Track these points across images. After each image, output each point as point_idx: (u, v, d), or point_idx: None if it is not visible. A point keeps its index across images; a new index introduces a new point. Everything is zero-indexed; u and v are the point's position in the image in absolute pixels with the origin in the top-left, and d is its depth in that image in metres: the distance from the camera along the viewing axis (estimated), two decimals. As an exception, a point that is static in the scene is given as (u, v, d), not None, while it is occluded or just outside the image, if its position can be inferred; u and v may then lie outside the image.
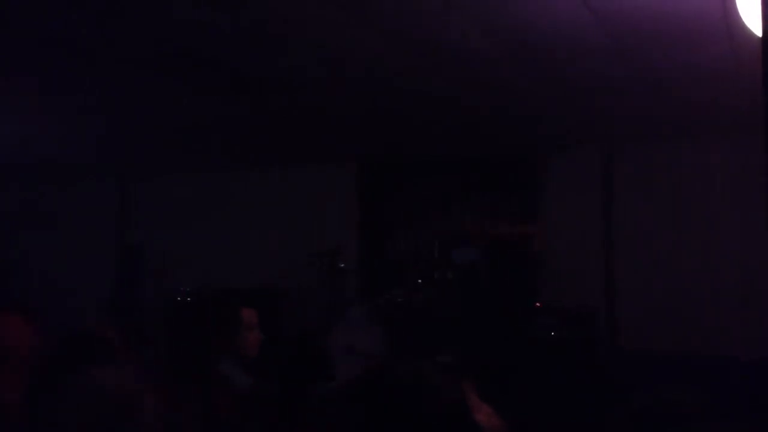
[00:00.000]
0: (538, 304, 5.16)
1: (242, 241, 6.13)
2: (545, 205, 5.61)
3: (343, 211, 6.03)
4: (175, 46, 3.29)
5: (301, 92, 4.09)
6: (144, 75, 3.73)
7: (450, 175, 5.92)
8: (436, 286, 5.32)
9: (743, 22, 2.45)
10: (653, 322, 5.10)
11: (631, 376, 4.74)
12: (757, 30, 2.30)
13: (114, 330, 2.16)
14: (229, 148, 5.71)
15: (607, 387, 4.57)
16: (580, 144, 5.38)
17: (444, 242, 5.70)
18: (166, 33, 3.15)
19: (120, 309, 5.65)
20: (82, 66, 3.56)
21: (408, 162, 5.93)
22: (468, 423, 1.20)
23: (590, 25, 2.98)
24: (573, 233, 5.45)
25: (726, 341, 4.87)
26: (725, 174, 5.06)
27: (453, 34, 3.13)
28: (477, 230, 5.67)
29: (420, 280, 5.38)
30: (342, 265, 5.51)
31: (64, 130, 4.98)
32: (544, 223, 5.58)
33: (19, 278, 6.13)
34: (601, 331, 5.14)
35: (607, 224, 5.43)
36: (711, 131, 4.97)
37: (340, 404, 1.26)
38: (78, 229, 6.49)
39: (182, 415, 1.77)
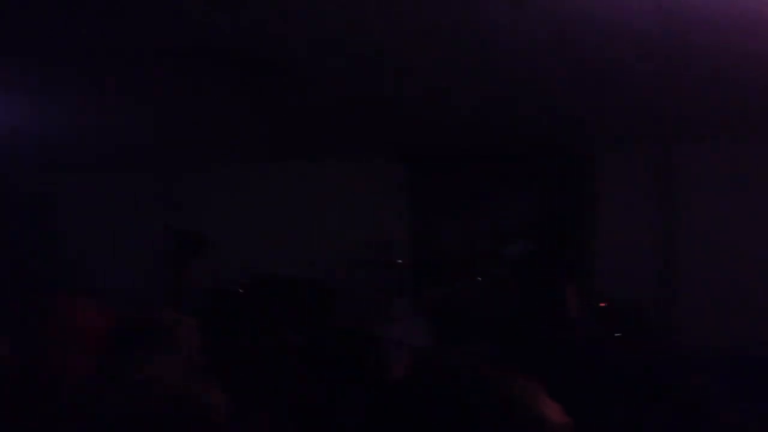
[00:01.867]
0: (602, 304, 5.07)
1: (293, 233, 6.19)
2: (600, 199, 5.52)
3: (394, 204, 6.03)
4: (220, 38, 3.31)
5: (350, 86, 4.11)
6: (187, 66, 3.77)
7: (503, 168, 5.86)
8: (487, 281, 5.30)
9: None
10: (715, 320, 4.96)
11: (692, 378, 4.65)
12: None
13: (172, 315, 2.19)
14: (282, 139, 5.76)
15: (664, 388, 4.48)
16: (637, 136, 5.27)
17: (496, 236, 5.67)
18: (207, 25, 3.17)
19: (172, 296, 5.75)
20: (121, 59, 3.61)
21: (460, 156, 5.89)
22: (528, 417, 1.18)
23: (648, 14, 2.90)
24: (629, 229, 5.35)
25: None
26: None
27: (502, 26, 3.09)
28: (529, 224, 5.62)
29: (471, 274, 5.36)
30: (397, 261, 5.53)
31: (107, 122, 5.08)
32: (598, 217, 5.50)
33: (69, 268, 6.30)
34: (658, 329, 5.05)
35: (665, 220, 5.32)
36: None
37: (395, 396, 1.25)
38: (125, 220, 6.63)
39: (242, 403, 1.78)
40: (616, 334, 4.75)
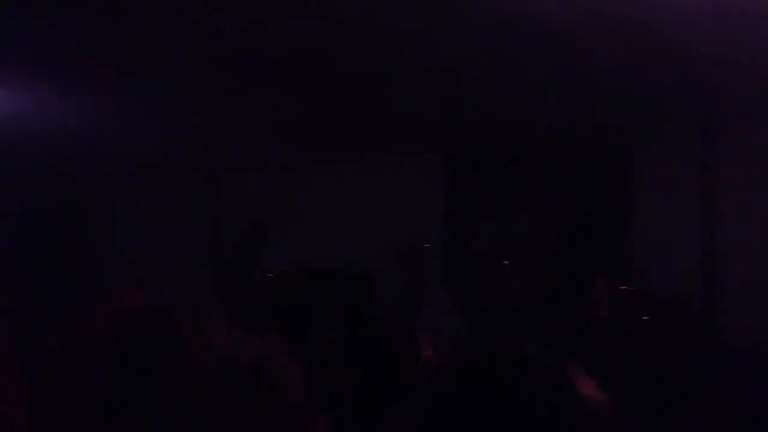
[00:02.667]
0: (623, 287, 5.02)
1: (333, 231, 6.28)
2: (638, 192, 5.46)
3: (429, 201, 6.09)
4: (262, 41, 3.37)
5: (387, 86, 4.14)
6: (230, 70, 3.85)
7: (539, 163, 5.83)
8: (521, 273, 5.29)
9: None
10: (756, 314, 4.88)
11: (731, 373, 4.58)
12: None
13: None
14: (318, 141, 5.85)
15: (702, 384, 4.43)
16: (678, 124, 5.19)
17: (529, 230, 5.67)
18: (250, 27, 3.23)
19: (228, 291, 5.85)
20: (169, 63, 3.70)
21: (495, 153, 5.89)
22: (575, 397, 1.19)
23: (691, 4, 2.87)
24: (669, 221, 5.29)
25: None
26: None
27: (541, 16, 3.08)
28: (564, 219, 5.60)
29: (506, 262, 5.36)
30: (429, 252, 5.57)
31: (154, 126, 5.20)
32: (637, 209, 5.45)
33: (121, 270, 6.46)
34: (697, 320, 5.00)
35: (707, 208, 5.24)
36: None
37: (438, 384, 1.27)
38: (174, 222, 6.77)
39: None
40: (644, 318, 4.68)
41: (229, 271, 5.99)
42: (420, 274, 5.64)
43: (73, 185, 6.81)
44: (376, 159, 6.20)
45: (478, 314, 4.82)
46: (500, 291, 5.22)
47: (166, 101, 4.56)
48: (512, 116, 4.94)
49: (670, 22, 3.16)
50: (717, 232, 5.22)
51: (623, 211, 5.53)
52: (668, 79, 4.05)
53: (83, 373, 1.97)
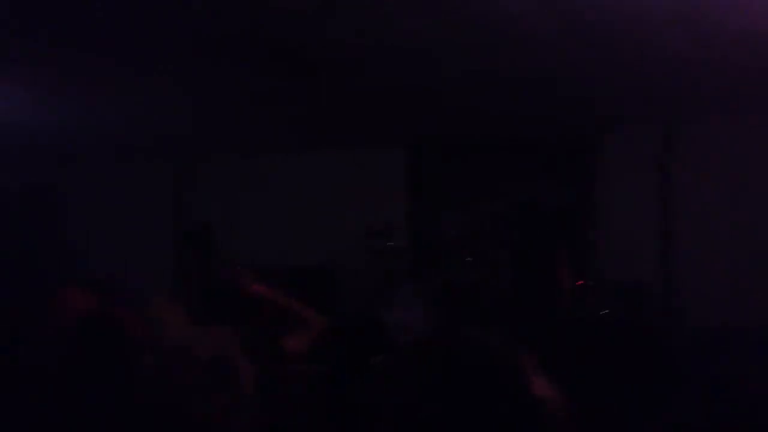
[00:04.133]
0: (581, 282, 5.10)
1: (293, 222, 6.23)
2: (599, 180, 5.54)
3: (393, 191, 6.07)
4: (230, 25, 3.32)
5: (349, 73, 4.11)
6: (198, 56, 3.78)
7: (501, 153, 5.87)
8: (485, 265, 5.33)
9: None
10: (713, 297, 5.00)
11: (693, 354, 4.68)
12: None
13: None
14: (280, 130, 5.78)
15: (665, 366, 4.51)
16: (637, 118, 5.28)
17: (494, 221, 5.70)
18: (219, 11, 3.18)
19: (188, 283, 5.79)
20: (134, 45, 3.62)
21: (458, 142, 5.91)
22: (525, 386, 1.21)
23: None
24: (628, 210, 5.37)
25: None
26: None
27: (501, 6, 3.09)
28: (528, 208, 5.64)
29: (468, 259, 5.39)
30: (392, 244, 5.57)
31: (119, 112, 5.09)
32: (597, 198, 5.52)
33: (75, 260, 6.32)
34: (657, 307, 5.09)
35: (664, 200, 5.34)
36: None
37: (400, 374, 1.28)
38: (136, 209, 6.65)
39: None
40: (602, 312, 4.77)
41: (184, 262, 5.93)
42: (384, 267, 5.65)
43: (18, 173, 6.60)
44: (338, 151, 6.18)
45: (441, 306, 4.84)
46: (464, 283, 5.25)
47: (124, 88, 4.46)
48: (476, 108, 4.96)
49: (629, 20, 3.21)
50: (675, 222, 5.32)
51: (585, 202, 5.60)
52: (629, 74, 4.11)
53: (28, 378, 1.92)
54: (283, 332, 2.44)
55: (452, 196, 6.02)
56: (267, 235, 6.18)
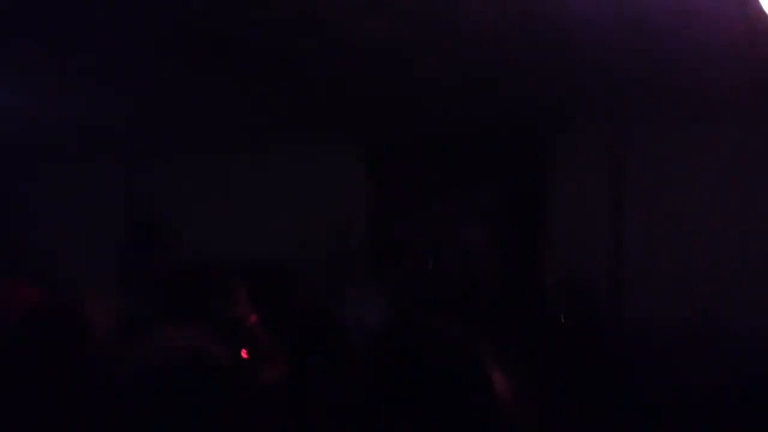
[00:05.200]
0: (544, 282, 5.19)
1: (251, 220, 6.18)
2: (553, 179, 5.62)
3: (352, 191, 6.05)
4: (173, 19, 3.27)
5: (307, 70, 4.09)
6: (145, 53, 3.72)
7: (456, 153, 5.91)
8: (444, 266, 5.36)
9: (759, 4, 2.45)
10: (661, 299, 5.12)
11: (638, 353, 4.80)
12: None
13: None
14: (236, 127, 5.73)
15: (613, 364, 4.62)
16: (589, 120, 5.38)
17: (452, 221, 5.74)
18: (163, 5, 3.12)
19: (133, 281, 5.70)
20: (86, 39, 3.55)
21: (415, 142, 5.93)
22: (482, 377, 1.22)
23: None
24: (581, 209, 5.47)
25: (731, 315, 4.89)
26: (737, 155, 5.07)
27: (457, 8, 3.12)
28: (484, 208, 5.70)
29: (426, 259, 5.42)
30: (351, 243, 5.57)
31: (68, 109, 4.97)
32: (551, 198, 5.60)
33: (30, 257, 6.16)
34: (607, 307, 5.19)
35: (616, 202, 5.45)
36: (724, 113, 4.95)
37: (357, 366, 1.29)
38: (88, 208, 6.52)
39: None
40: (555, 309, 4.87)
41: (135, 256, 5.84)
42: (340, 265, 5.64)
43: None
44: (296, 148, 6.14)
45: (401, 304, 4.86)
46: (424, 282, 5.28)
47: (77, 82, 4.36)
48: (429, 108, 4.99)
49: (579, 22, 3.27)
50: (625, 222, 5.43)
51: (539, 202, 5.68)
52: (580, 74, 4.19)
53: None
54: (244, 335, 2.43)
55: (411, 195, 6.03)
56: (223, 230, 6.12)
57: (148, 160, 6.49)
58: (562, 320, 4.88)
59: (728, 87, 4.27)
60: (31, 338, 1.89)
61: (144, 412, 1.55)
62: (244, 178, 6.36)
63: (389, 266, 5.74)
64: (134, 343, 1.85)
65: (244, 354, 2.47)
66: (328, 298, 5.19)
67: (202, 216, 6.21)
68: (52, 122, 5.44)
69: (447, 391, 1.18)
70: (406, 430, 1.15)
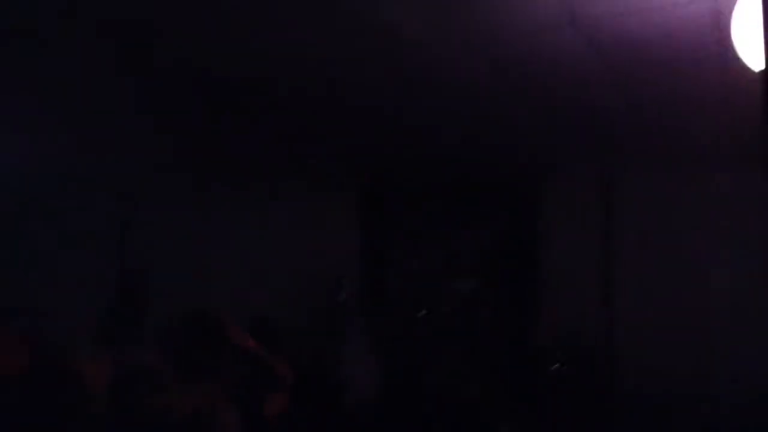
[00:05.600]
0: (536, 340, 5.12)
1: (241, 270, 6.11)
2: (544, 228, 5.61)
3: (344, 240, 6.01)
4: (172, 62, 3.29)
5: (299, 117, 4.12)
6: (140, 95, 3.74)
7: (453, 201, 5.90)
8: (436, 318, 5.31)
9: (738, 54, 2.49)
10: (653, 357, 5.05)
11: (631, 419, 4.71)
12: (756, 65, 2.35)
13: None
14: (227, 173, 5.72)
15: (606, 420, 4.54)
16: (578, 169, 5.40)
17: (444, 271, 5.71)
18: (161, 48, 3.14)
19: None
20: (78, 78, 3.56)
21: (407, 189, 5.94)
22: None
23: (583, 49, 3.02)
24: (572, 258, 5.44)
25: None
26: (725, 203, 5.08)
27: (445, 61, 3.17)
28: (476, 257, 5.68)
29: (421, 312, 5.37)
30: (343, 297, 5.51)
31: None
32: (543, 248, 5.58)
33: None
34: (600, 367, 5.12)
35: (606, 249, 5.43)
36: (708, 160, 4.98)
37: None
38: (79, 250, 6.45)
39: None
40: (556, 366, 4.81)
41: (121, 308, 5.75)
42: (335, 313, 5.56)
43: None
44: (289, 192, 6.10)
45: (395, 354, 4.80)
46: (418, 331, 5.22)
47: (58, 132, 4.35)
48: (426, 152, 5.01)
49: (572, 77, 3.33)
50: (618, 270, 5.40)
51: (530, 251, 5.65)
52: (571, 124, 4.24)
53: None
54: (263, 388, 2.38)
55: (403, 245, 6.00)
56: (213, 284, 6.05)
57: (137, 214, 6.46)
58: (555, 372, 4.82)
59: (715, 133, 4.32)
60: (30, 398, 1.85)
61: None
62: (235, 228, 6.31)
63: (381, 319, 5.68)
64: (134, 400, 1.81)
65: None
66: (319, 356, 5.11)
67: (189, 270, 6.15)
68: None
69: None
70: None
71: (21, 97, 3.80)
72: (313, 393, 3.72)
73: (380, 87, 3.58)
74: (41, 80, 3.52)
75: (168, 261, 6.16)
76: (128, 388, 1.92)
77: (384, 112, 4.02)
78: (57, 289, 6.37)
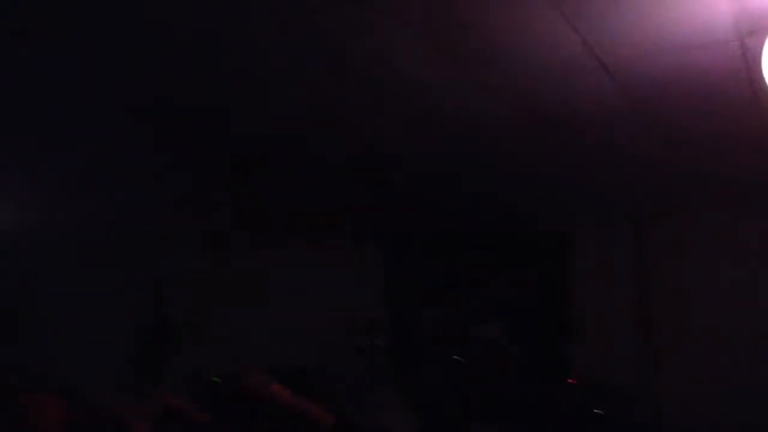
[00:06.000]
0: (570, 381, 5.02)
1: (269, 321, 6.10)
2: (575, 276, 5.53)
3: (371, 289, 5.99)
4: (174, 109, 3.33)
5: (320, 173, 4.15)
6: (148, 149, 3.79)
7: (476, 250, 5.87)
8: (467, 364, 5.23)
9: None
10: (697, 398, 4.90)
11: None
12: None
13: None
14: (253, 227, 5.77)
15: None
16: (608, 213, 5.34)
17: (473, 318, 5.65)
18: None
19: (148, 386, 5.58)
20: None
21: (434, 238, 5.92)
22: None
23: (612, 93, 3.02)
24: (605, 304, 5.34)
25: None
26: (760, 243, 4.97)
27: (470, 108, 3.19)
28: (505, 305, 5.62)
29: (456, 357, 5.29)
30: (376, 342, 5.47)
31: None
32: (574, 294, 5.50)
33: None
34: (639, 409, 4.97)
35: (641, 294, 5.33)
36: (743, 201, 4.91)
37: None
38: (110, 305, 6.49)
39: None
40: (595, 411, 4.67)
41: (143, 365, 5.73)
42: (363, 365, 5.51)
43: None
44: (313, 246, 6.12)
45: (427, 406, 4.71)
46: (450, 382, 5.13)
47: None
48: (451, 202, 5.01)
49: (594, 120, 3.33)
50: (653, 319, 5.28)
51: (564, 297, 5.57)
52: (600, 172, 4.21)
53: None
54: None
55: (431, 293, 5.97)
56: (242, 335, 6.04)
57: (167, 265, 6.51)
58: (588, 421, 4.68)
59: (749, 174, 4.26)
60: None
61: None
62: (260, 281, 6.32)
63: (411, 367, 5.61)
64: None
65: None
66: (350, 404, 5.03)
67: (219, 320, 6.15)
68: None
69: None
70: None
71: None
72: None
73: (408, 137, 3.60)
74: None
75: (201, 313, 6.17)
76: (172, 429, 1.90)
77: (414, 163, 4.03)
78: (89, 343, 6.41)
